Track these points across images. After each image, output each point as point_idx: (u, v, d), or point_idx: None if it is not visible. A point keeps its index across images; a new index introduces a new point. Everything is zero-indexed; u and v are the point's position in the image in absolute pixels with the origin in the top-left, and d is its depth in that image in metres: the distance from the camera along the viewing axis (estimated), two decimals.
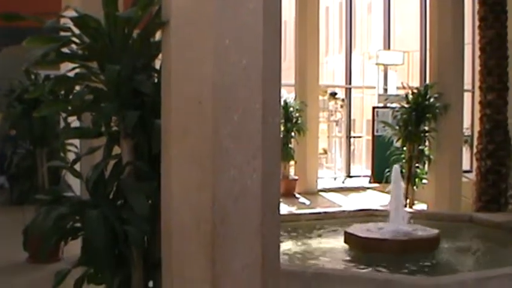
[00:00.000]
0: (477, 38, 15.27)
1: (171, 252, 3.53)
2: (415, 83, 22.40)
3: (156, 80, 4.21)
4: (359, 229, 9.07)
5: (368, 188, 22.57)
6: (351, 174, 25.01)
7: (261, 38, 3.35)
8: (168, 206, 3.54)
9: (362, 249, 8.68)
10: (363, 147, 27.41)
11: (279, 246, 3.73)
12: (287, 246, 8.95)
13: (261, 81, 3.35)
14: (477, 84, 15.33)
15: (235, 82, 3.31)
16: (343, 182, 24.04)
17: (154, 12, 3.98)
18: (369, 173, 23.66)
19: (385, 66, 24.76)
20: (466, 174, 18.39)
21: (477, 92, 15.37)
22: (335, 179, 24.80)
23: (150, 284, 4.25)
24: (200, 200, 3.35)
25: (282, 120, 20.42)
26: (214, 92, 3.29)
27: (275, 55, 3.53)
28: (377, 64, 24.79)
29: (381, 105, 22.86)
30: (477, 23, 15.16)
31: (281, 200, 13.30)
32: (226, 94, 3.31)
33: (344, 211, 11.67)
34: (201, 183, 3.34)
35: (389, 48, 25.69)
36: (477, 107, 15.20)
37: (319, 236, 9.83)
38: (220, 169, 3.32)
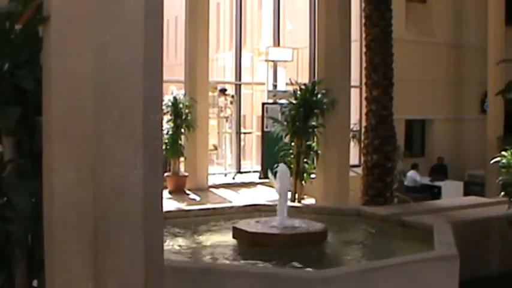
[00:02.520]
0: (364, 35, 15.57)
1: (54, 250, 3.48)
2: (305, 79, 22.68)
3: (38, 76, 4.14)
4: (247, 224, 9.12)
5: (258, 184, 22.73)
6: (242, 170, 25.10)
7: (142, 34, 3.34)
8: (49, 204, 3.49)
9: (250, 244, 8.73)
10: (253, 143, 27.55)
11: (162, 242, 3.74)
12: (176, 242, 8.94)
13: (142, 77, 3.33)
14: (364, 80, 15.65)
15: (115, 78, 3.28)
16: (233, 178, 24.11)
17: (36, 7, 3.92)
18: (259, 168, 23.88)
19: (275, 62, 24.97)
20: (355, 169, 18.73)
21: (364, 88, 15.69)
22: (225, 175, 24.85)
23: (35, 283, 4.18)
24: (82, 198, 3.32)
25: (171, 117, 20.39)
26: (95, 88, 3.26)
27: (157, 52, 3.52)
28: (267, 61, 24.98)
29: (271, 101, 23.07)
30: (363, 21, 15.48)
31: (171, 196, 13.27)
32: (106, 90, 3.28)
33: (233, 207, 11.73)
34: (83, 180, 3.31)
35: (279, 45, 25.89)
36: (364, 102, 15.50)
37: (208, 231, 9.84)
38: (102, 166, 3.29)
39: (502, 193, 12.26)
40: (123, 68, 3.30)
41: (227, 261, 8.32)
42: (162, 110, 3.91)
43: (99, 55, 3.26)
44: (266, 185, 21.70)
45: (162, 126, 3.80)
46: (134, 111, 3.33)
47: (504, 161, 19.78)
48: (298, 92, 16.25)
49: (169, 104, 20.32)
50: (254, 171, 24.80)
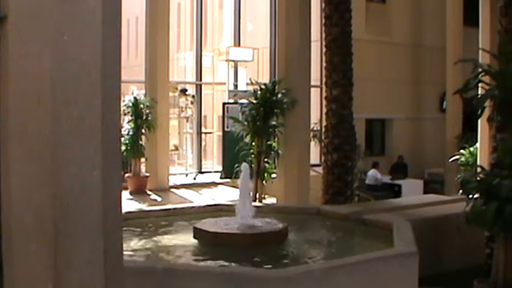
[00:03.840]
0: (324, 35, 15.64)
1: (12, 252, 3.45)
2: (265, 79, 22.71)
3: None
4: (208, 224, 9.12)
5: (219, 184, 22.75)
6: (203, 170, 25.09)
7: (100, 35, 3.33)
8: (7, 206, 3.46)
9: (211, 244, 8.72)
10: (214, 143, 27.56)
11: (121, 242, 3.73)
12: (137, 243, 8.90)
13: (100, 77, 3.32)
14: (324, 80, 15.72)
15: (74, 78, 3.27)
16: (194, 178, 24.10)
17: None
18: (220, 168, 23.90)
19: (236, 62, 24.98)
20: (316, 168, 18.80)
21: (324, 88, 15.77)
22: (187, 175, 24.83)
23: None
24: (40, 198, 3.29)
25: (132, 117, 20.33)
26: (53, 88, 3.24)
27: (115, 52, 3.51)
28: (227, 61, 24.99)
29: (232, 101, 23.08)
30: (323, 21, 15.55)
31: (132, 197, 13.20)
32: (65, 90, 3.26)
33: (194, 207, 11.72)
34: (41, 181, 3.28)
35: (239, 45, 25.91)
36: (324, 102, 15.57)
37: (169, 232, 9.82)
38: (60, 166, 3.27)
39: (461, 191, 12.38)
40: (82, 67, 3.29)
41: (188, 262, 8.32)
42: (121, 110, 3.91)
43: (57, 54, 3.24)
44: (227, 185, 21.74)
45: (121, 126, 3.81)
46: (93, 111, 3.32)
47: (463, 159, 20.12)
48: (259, 92, 16.26)
49: (130, 104, 20.27)
50: (215, 171, 24.81)
